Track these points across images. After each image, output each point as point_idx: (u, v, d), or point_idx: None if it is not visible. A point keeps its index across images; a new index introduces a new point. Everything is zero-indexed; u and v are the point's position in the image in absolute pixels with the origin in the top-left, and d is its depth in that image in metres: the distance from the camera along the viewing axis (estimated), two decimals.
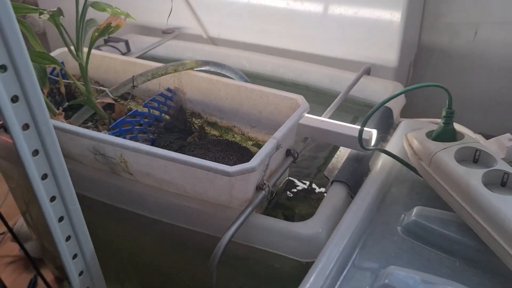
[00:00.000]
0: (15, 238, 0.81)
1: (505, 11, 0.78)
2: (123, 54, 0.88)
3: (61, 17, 0.50)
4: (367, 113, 0.52)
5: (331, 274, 0.42)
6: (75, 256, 0.46)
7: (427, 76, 0.90)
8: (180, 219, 0.52)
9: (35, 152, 0.38)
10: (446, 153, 0.48)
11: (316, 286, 0.41)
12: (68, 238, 0.45)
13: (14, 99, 0.35)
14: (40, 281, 0.88)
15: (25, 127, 0.37)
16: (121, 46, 0.89)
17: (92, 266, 0.49)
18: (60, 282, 0.87)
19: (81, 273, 0.48)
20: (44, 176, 0.40)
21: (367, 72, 0.78)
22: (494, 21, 0.79)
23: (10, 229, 0.80)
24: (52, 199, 0.41)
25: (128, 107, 0.64)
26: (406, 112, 0.73)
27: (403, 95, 0.72)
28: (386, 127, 0.63)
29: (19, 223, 0.93)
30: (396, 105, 0.67)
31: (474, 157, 0.48)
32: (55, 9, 0.48)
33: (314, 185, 0.61)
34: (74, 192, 0.43)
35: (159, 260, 0.66)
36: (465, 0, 0.80)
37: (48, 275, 0.88)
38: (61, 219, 0.43)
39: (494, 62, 0.83)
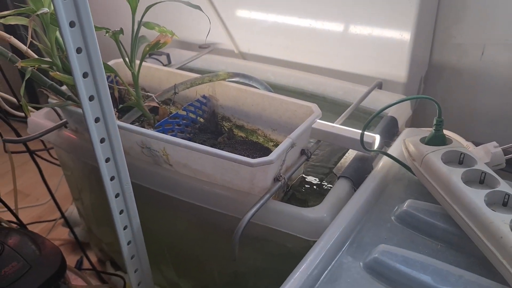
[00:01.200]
0: (67, 222, 0.93)
1: (508, 34, 0.85)
2: (165, 65, 1.00)
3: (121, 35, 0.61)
4: (375, 121, 0.61)
5: (332, 249, 0.51)
6: (125, 227, 0.57)
7: (438, 91, 0.97)
8: (209, 203, 0.61)
9: (102, 140, 0.49)
10: (434, 155, 0.56)
11: (318, 257, 0.50)
12: (121, 212, 0.55)
13: (91, 98, 0.46)
14: (85, 261, 1.00)
15: (97, 120, 0.48)
16: (163, 58, 1.01)
17: (138, 238, 0.59)
18: (102, 263, 0.99)
19: (129, 243, 0.58)
20: (107, 159, 0.50)
21: (379, 86, 0.86)
22: (499, 43, 0.86)
23: (63, 215, 0.93)
24: (112, 178, 0.52)
25: (169, 110, 0.75)
26: (417, 125, 0.80)
27: (409, 108, 0.81)
28: (391, 134, 0.71)
29: (68, 211, 1.06)
30: (401, 116, 0.75)
31: (459, 159, 0.56)
32: (118, 29, 0.59)
33: (325, 182, 0.69)
34: (128, 173, 0.54)
35: (189, 244, 0.75)
36: (473, 24, 0.87)
37: (93, 257, 0.99)
38: (117, 195, 0.53)
39: (499, 80, 0.89)
